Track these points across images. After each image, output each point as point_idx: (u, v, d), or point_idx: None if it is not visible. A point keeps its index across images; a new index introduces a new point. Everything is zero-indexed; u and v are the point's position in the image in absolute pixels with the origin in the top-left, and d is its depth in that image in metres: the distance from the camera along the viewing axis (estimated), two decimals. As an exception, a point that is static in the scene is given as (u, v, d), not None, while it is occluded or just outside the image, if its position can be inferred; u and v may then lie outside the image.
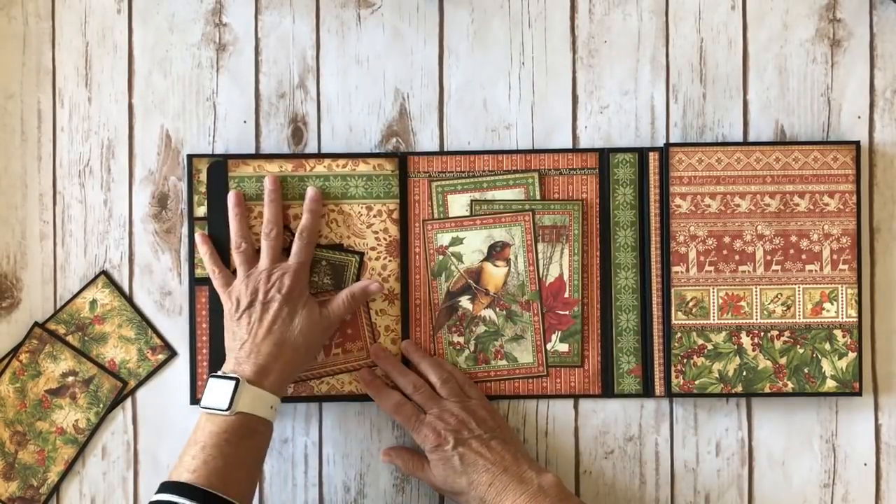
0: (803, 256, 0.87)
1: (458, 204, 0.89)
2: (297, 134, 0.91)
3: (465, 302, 0.89)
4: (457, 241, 0.89)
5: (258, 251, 0.85)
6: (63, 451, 0.89)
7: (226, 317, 0.83)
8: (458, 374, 0.87)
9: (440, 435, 0.81)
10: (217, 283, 0.85)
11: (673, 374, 0.87)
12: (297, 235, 0.85)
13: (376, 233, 0.88)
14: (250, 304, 0.81)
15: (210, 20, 0.91)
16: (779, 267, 0.87)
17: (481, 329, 0.88)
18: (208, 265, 0.86)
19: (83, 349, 0.89)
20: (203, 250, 0.86)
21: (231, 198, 0.86)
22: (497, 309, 0.89)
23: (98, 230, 0.90)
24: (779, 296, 0.87)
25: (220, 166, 0.87)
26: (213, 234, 0.87)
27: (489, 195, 0.89)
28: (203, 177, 0.88)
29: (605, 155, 0.89)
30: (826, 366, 0.87)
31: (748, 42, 0.90)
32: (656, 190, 0.88)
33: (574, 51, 0.91)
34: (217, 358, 0.87)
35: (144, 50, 0.91)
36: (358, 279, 0.87)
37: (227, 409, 0.76)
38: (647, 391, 0.88)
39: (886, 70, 0.90)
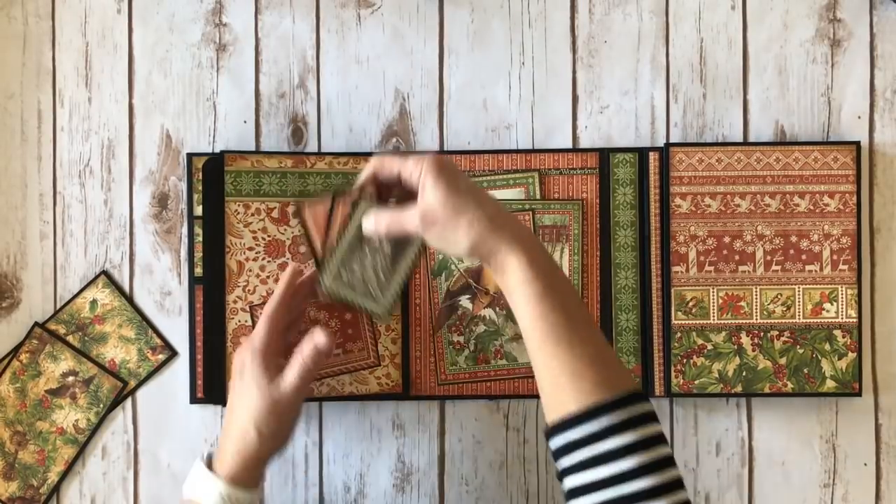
0: (803, 257, 0.87)
1: (458, 204, 0.89)
2: (297, 134, 0.91)
3: (465, 301, 0.89)
4: (457, 241, 0.88)
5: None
6: (63, 451, 0.89)
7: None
8: None
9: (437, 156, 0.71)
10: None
11: (673, 374, 0.87)
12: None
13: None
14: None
15: (210, 20, 0.91)
16: (779, 267, 0.87)
17: (481, 328, 0.88)
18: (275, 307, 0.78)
19: (83, 349, 0.89)
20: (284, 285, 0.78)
21: (288, 270, 0.79)
22: (497, 308, 0.89)
23: (98, 230, 0.90)
24: (779, 296, 0.87)
25: (216, 161, 0.87)
26: (207, 231, 0.87)
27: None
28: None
29: (605, 155, 0.89)
30: (826, 366, 0.87)
31: (748, 42, 0.90)
32: (656, 190, 0.88)
33: (574, 51, 0.91)
34: (214, 357, 0.87)
35: (144, 50, 0.91)
36: (416, 263, 0.78)
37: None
38: (646, 391, 0.88)
39: (886, 70, 0.90)
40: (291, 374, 0.75)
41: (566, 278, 0.71)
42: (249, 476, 0.74)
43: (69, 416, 0.89)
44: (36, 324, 0.89)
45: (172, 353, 0.90)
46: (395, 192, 0.76)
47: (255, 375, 0.75)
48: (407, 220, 0.71)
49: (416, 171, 0.70)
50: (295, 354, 0.75)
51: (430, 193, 0.69)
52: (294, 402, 0.75)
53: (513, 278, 0.67)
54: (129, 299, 0.90)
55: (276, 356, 0.76)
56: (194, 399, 0.88)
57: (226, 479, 0.73)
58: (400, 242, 0.77)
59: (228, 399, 0.77)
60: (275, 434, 0.75)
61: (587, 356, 0.65)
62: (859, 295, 0.87)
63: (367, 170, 0.75)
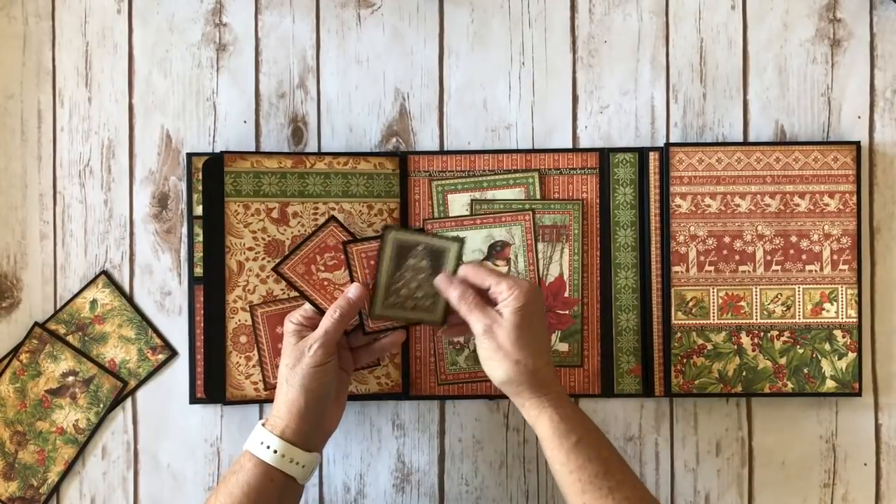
0: (803, 256, 0.87)
1: (459, 203, 0.89)
2: (297, 134, 0.91)
3: (465, 302, 0.89)
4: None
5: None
6: (63, 451, 0.89)
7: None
8: None
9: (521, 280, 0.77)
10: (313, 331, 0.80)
11: (673, 374, 0.87)
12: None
13: (377, 232, 0.88)
14: None
15: (210, 20, 0.91)
16: (779, 267, 0.87)
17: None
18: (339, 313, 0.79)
19: (83, 349, 0.89)
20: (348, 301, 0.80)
21: (354, 291, 0.80)
22: (497, 309, 0.88)
23: (98, 230, 0.90)
24: (779, 296, 0.87)
25: (216, 161, 0.87)
26: (207, 231, 0.87)
27: (489, 195, 0.89)
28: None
29: (605, 155, 0.89)
30: (826, 366, 0.87)
31: (748, 42, 0.90)
32: (656, 190, 0.88)
33: (574, 51, 0.91)
34: (214, 357, 0.87)
35: (144, 50, 0.91)
36: (458, 265, 0.80)
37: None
38: (646, 391, 0.88)
39: (886, 70, 0.90)
40: (324, 322, 0.78)
41: (597, 427, 0.76)
42: (296, 432, 0.76)
43: (69, 416, 0.89)
44: (36, 324, 0.89)
45: (172, 353, 0.90)
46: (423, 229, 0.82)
47: (290, 342, 0.79)
48: (474, 318, 0.76)
49: (507, 294, 0.75)
50: (329, 309, 0.79)
51: (507, 319, 0.75)
52: (323, 351, 0.77)
53: (547, 431, 0.74)
54: (129, 299, 0.90)
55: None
56: (194, 399, 0.88)
57: (279, 434, 0.76)
58: (436, 253, 0.80)
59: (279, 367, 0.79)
60: (314, 391, 0.77)
61: (629, 500, 0.72)
62: (859, 295, 0.87)
63: (462, 271, 0.79)
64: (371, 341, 0.84)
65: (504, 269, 0.88)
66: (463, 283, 0.78)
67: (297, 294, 0.86)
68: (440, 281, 0.79)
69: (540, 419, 0.74)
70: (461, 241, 0.81)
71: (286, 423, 0.76)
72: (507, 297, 0.75)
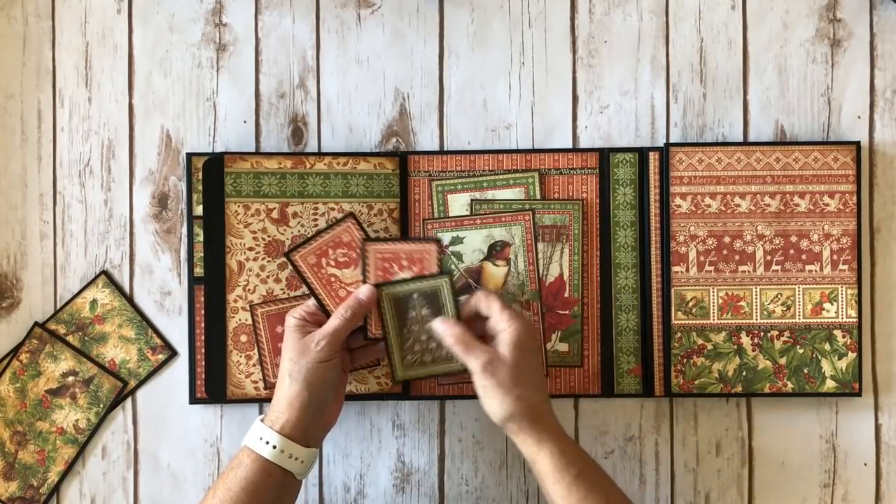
0: (803, 257, 0.87)
1: (459, 203, 0.89)
2: (297, 134, 0.91)
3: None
4: (457, 241, 0.89)
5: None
6: (63, 451, 0.89)
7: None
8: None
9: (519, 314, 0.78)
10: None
11: (673, 374, 0.87)
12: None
13: (377, 232, 0.88)
14: None
15: (210, 20, 0.91)
16: (779, 267, 0.87)
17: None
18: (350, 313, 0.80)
19: (83, 349, 0.89)
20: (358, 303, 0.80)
21: (365, 291, 0.80)
22: (497, 309, 0.88)
23: (98, 230, 0.90)
24: (779, 296, 0.87)
25: (216, 162, 0.87)
26: (207, 231, 0.87)
27: (489, 195, 0.89)
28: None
29: (605, 155, 0.89)
30: (826, 366, 0.87)
31: (748, 42, 0.90)
32: (656, 190, 0.88)
33: (574, 51, 0.91)
34: (214, 357, 0.87)
35: (144, 50, 0.91)
36: (456, 298, 0.80)
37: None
38: (646, 391, 0.88)
39: (886, 70, 0.90)
40: (333, 321, 0.78)
41: (593, 461, 0.77)
42: (296, 428, 0.76)
43: (69, 416, 0.89)
44: (36, 324, 0.89)
45: (172, 353, 0.90)
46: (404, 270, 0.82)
47: (293, 337, 0.78)
48: (472, 357, 0.76)
49: (505, 325, 0.76)
50: (339, 308, 0.79)
51: (506, 354, 0.75)
52: (330, 348, 0.77)
53: (547, 465, 0.74)
54: (129, 299, 0.90)
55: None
56: (194, 399, 0.88)
57: (278, 430, 0.76)
58: (430, 297, 0.81)
59: (280, 362, 0.79)
60: (317, 386, 0.77)
61: None
62: (859, 295, 0.87)
63: (483, 300, 0.79)
64: (368, 344, 0.84)
65: (504, 269, 0.88)
66: (456, 324, 0.78)
67: (297, 294, 0.87)
68: (436, 327, 0.79)
69: (540, 454, 0.75)
70: (448, 272, 0.82)
71: (286, 419, 0.76)
72: (505, 329, 0.76)
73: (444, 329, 0.78)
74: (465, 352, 0.77)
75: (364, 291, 0.80)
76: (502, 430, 0.77)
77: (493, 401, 0.75)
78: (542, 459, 0.75)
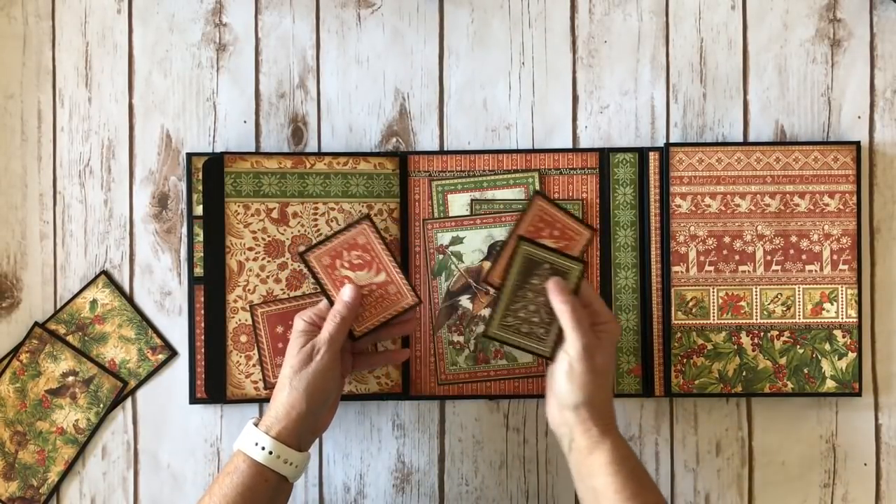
0: (803, 257, 0.87)
1: (459, 203, 0.89)
2: (297, 134, 0.91)
3: (465, 301, 0.89)
4: (457, 241, 0.89)
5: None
6: (63, 451, 0.89)
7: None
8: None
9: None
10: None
11: (673, 374, 0.87)
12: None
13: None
14: None
15: (210, 20, 0.91)
16: (779, 267, 0.87)
17: (481, 328, 0.88)
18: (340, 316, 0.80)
19: (83, 349, 0.89)
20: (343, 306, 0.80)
21: (349, 293, 0.81)
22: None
23: (98, 230, 0.90)
24: (779, 296, 0.87)
25: (216, 162, 0.87)
26: (207, 231, 0.87)
27: (489, 195, 0.89)
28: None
29: (605, 155, 0.89)
30: (826, 366, 0.87)
31: (748, 42, 0.90)
32: (656, 190, 0.88)
33: (574, 51, 0.91)
34: (214, 357, 0.87)
35: (144, 50, 0.91)
36: (578, 286, 0.80)
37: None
38: (646, 391, 0.88)
39: (886, 70, 0.90)
40: (327, 327, 0.78)
41: (640, 460, 0.79)
42: (291, 433, 0.76)
43: (69, 416, 0.89)
44: (36, 324, 0.89)
45: (172, 353, 0.90)
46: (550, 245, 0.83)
47: (297, 343, 0.78)
48: (580, 332, 0.77)
49: (608, 319, 0.79)
50: (329, 314, 0.79)
51: (608, 344, 0.78)
52: (329, 356, 0.77)
53: (604, 458, 0.75)
54: (129, 299, 0.90)
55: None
56: (194, 399, 0.88)
57: (274, 435, 0.76)
58: (558, 274, 0.81)
59: (282, 368, 0.79)
60: (316, 396, 0.77)
61: None
62: (859, 295, 0.87)
63: (591, 292, 0.81)
64: (375, 350, 0.83)
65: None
66: (575, 297, 0.79)
67: (297, 294, 0.87)
68: (556, 283, 0.79)
69: (602, 445, 0.75)
70: (583, 263, 0.81)
71: (283, 426, 0.76)
72: (609, 322, 0.79)
73: (563, 290, 0.78)
74: (575, 324, 0.77)
75: (347, 293, 0.80)
76: (559, 414, 0.77)
77: (575, 385, 0.76)
78: (601, 451, 0.75)
